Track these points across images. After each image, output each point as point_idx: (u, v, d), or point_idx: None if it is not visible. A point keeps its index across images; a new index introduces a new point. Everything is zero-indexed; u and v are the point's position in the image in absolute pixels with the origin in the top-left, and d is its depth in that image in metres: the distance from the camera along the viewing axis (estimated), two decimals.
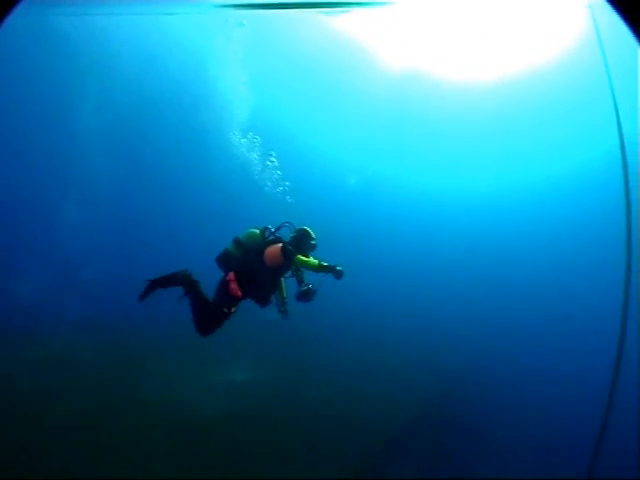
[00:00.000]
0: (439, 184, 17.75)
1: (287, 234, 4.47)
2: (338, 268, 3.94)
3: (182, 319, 4.30)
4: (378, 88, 14.91)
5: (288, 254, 4.07)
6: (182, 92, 13.47)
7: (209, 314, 4.13)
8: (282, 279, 4.54)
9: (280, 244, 4.17)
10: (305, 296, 4.21)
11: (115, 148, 12.65)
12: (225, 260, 4.36)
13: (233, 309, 4.13)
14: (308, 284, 4.21)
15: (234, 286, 4.08)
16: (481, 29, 12.22)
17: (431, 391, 8.68)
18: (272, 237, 4.39)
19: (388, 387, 8.45)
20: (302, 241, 4.31)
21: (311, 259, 4.09)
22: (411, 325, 11.95)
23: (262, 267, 4.18)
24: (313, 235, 4.38)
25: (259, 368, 8.92)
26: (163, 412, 6.20)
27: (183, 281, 4.18)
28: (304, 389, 8.03)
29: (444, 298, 13.76)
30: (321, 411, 7.20)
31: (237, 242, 4.38)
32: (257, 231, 4.40)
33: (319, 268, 3.96)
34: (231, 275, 4.15)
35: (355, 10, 9.71)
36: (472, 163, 17.14)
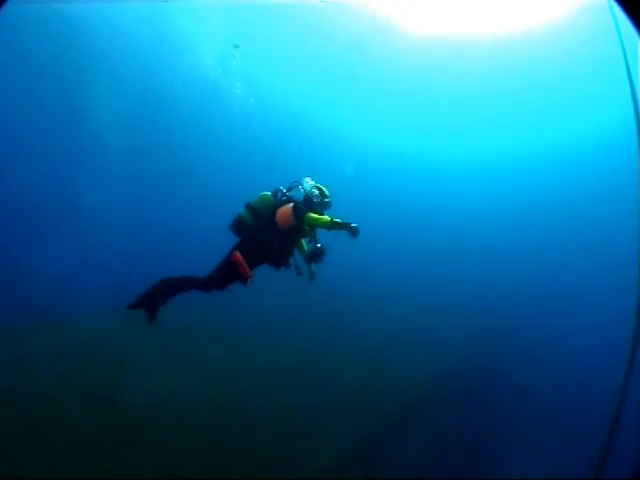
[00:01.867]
0: (445, 150, 17.42)
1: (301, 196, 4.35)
2: (353, 225, 3.81)
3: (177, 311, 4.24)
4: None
5: (298, 213, 3.96)
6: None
7: (213, 284, 4.12)
8: (303, 241, 4.46)
9: (291, 204, 4.10)
10: (313, 257, 4.14)
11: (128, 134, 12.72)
12: (238, 227, 4.28)
13: (249, 282, 4.05)
14: (317, 244, 4.13)
15: (243, 267, 3.99)
16: None
17: (448, 366, 8.48)
18: (284, 198, 4.32)
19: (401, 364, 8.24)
20: (315, 199, 4.22)
21: (323, 217, 3.97)
22: (432, 299, 11.83)
23: (275, 230, 4.11)
24: (327, 192, 4.27)
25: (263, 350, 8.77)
26: (155, 406, 5.97)
27: (169, 288, 4.11)
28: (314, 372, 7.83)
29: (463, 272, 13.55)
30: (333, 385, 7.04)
31: (249, 207, 4.29)
32: (269, 194, 4.31)
33: (332, 225, 3.84)
34: (237, 255, 4.02)
35: None
36: (479, 127, 16.72)
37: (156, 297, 4.10)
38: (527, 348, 9.62)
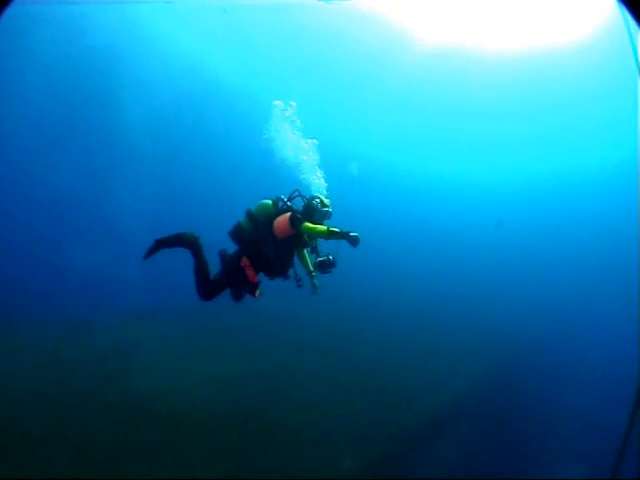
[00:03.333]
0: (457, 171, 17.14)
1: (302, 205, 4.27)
2: (352, 234, 3.60)
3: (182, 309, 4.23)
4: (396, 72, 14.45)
5: (295, 222, 3.84)
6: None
7: (209, 286, 4.03)
8: (305, 251, 4.38)
9: (289, 213, 3.99)
10: (323, 268, 4.03)
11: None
12: (237, 234, 4.21)
13: (258, 293, 3.97)
14: (327, 255, 4.00)
15: (250, 272, 3.92)
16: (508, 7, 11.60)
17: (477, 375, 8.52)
18: (285, 207, 4.22)
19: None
20: (314, 209, 4.09)
21: (319, 226, 3.81)
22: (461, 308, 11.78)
23: (272, 240, 4.01)
24: (327, 201, 4.13)
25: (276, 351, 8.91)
26: (156, 404, 6.15)
27: (188, 244, 4.07)
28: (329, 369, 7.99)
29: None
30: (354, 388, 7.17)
31: (249, 214, 4.22)
32: (269, 202, 4.20)
33: (329, 234, 3.68)
34: (245, 261, 3.97)
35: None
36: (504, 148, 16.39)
37: (175, 243, 4.06)
38: (554, 361, 9.41)
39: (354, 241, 3.66)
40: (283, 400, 6.63)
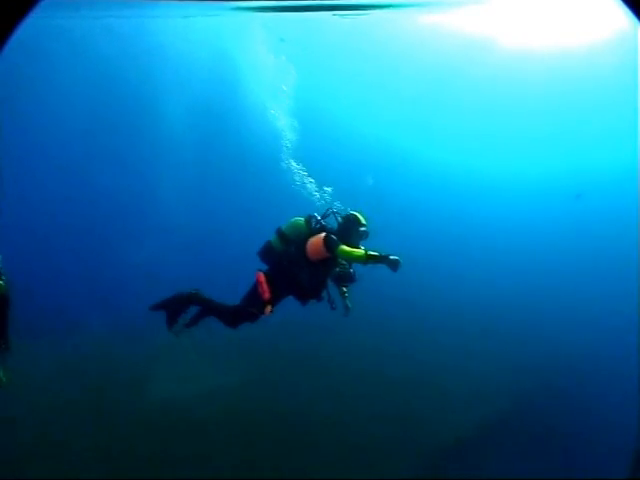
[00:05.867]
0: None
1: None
2: (392, 257, 3.36)
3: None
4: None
5: (331, 245, 3.56)
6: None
7: (234, 317, 3.87)
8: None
9: (323, 234, 3.72)
10: (341, 280, 3.85)
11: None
12: (267, 254, 3.99)
13: (268, 310, 3.74)
14: (348, 267, 3.81)
15: (264, 287, 3.70)
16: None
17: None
18: (318, 226, 3.95)
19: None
20: (350, 229, 3.81)
21: (356, 250, 3.53)
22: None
23: (304, 261, 3.75)
24: (363, 221, 3.83)
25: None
26: (165, 414, 6.14)
27: (189, 301, 3.96)
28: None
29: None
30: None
31: (280, 233, 3.99)
32: (301, 220, 3.96)
33: (368, 258, 3.41)
34: (260, 276, 3.77)
35: (376, 12, 8.91)
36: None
37: (179, 304, 3.97)
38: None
39: (394, 265, 3.38)
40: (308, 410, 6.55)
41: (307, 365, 8.71)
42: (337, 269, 3.83)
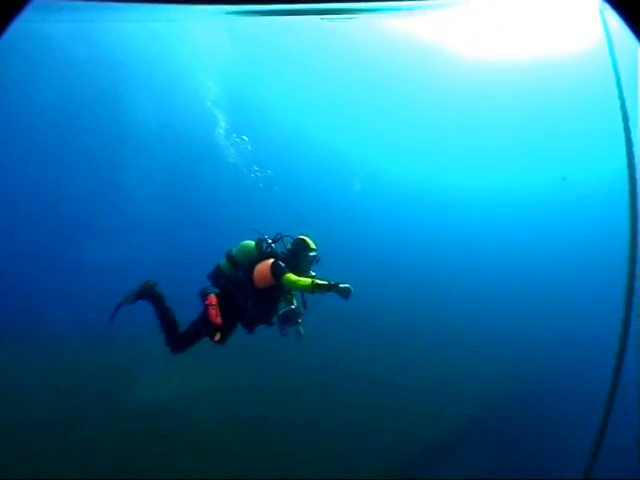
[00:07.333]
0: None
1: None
2: (342, 285, 3.23)
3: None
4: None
5: (277, 272, 3.43)
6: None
7: (177, 336, 3.69)
8: (293, 295, 3.92)
9: (271, 260, 3.57)
10: (285, 321, 3.62)
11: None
12: (216, 278, 3.84)
13: (217, 337, 3.55)
14: (292, 305, 3.62)
15: (213, 312, 3.51)
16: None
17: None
18: (269, 250, 3.80)
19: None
20: (299, 253, 3.66)
21: (302, 279, 3.39)
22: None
23: (250, 288, 3.60)
24: (312, 245, 3.69)
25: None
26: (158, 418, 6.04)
27: (145, 294, 3.82)
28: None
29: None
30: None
31: (229, 257, 3.84)
32: (252, 244, 3.81)
33: (315, 288, 3.28)
34: (212, 298, 3.59)
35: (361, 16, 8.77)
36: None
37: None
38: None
39: (345, 293, 3.24)
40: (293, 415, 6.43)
41: (293, 367, 8.65)
42: (280, 311, 3.66)
